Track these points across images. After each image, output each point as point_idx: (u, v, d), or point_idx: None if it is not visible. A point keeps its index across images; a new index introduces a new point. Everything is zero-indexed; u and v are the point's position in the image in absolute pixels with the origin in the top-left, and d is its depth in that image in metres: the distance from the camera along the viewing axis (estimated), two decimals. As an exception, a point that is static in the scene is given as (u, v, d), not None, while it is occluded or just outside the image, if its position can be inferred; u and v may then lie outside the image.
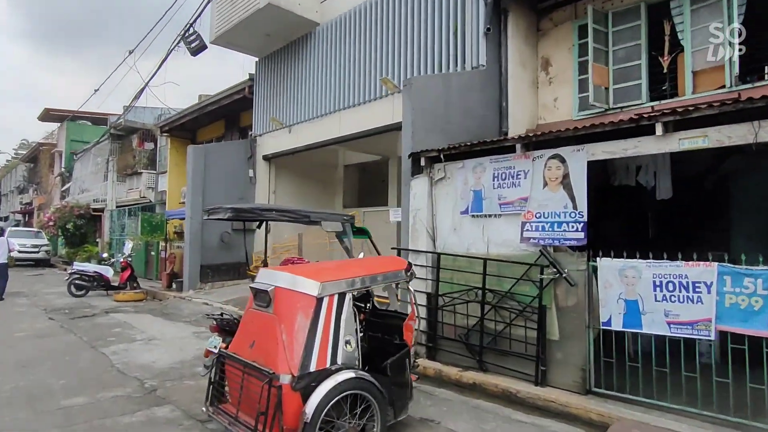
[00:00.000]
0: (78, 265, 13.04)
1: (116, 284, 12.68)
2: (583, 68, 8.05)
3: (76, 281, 12.35)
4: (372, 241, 5.35)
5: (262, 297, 3.61)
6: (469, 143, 6.09)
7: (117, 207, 23.55)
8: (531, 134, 5.51)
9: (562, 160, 5.22)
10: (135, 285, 12.85)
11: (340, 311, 3.59)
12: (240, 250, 13.28)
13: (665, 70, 7.28)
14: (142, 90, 14.33)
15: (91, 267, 13.16)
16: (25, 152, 40.82)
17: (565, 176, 5.19)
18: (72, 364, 6.18)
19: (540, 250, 5.25)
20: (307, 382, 3.26)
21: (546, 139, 5.35)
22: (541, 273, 5.20)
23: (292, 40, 12.52)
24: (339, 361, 3.48)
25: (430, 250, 6.37)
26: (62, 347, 7.07)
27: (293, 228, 14.58)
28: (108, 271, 12.94)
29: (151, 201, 21.61)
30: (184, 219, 14.25)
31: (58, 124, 34.18)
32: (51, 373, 5.77)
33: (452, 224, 6.21)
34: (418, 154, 6.52)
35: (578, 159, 5.10)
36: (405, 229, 6.66)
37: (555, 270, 5.11)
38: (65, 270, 20.21)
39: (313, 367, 3.32)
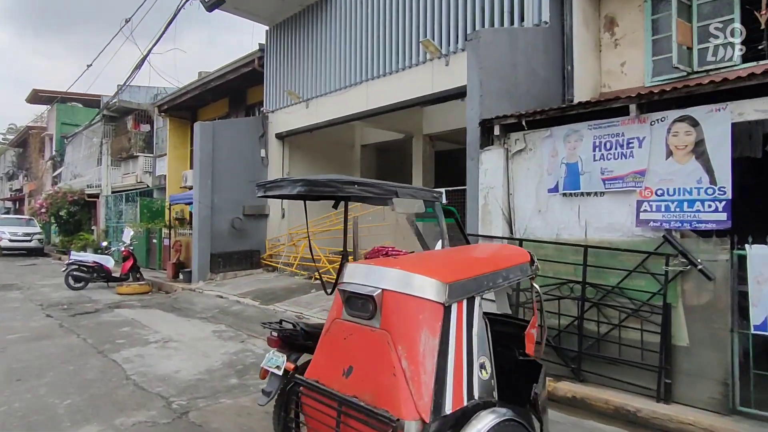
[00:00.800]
0: (76, 255, 11.88)
1: (118, 275, 11.57)
2: (657, 28, 7.02)
3: (74, 272, 11.21)
4: (460, 225, 4.29)
5: (362, 304, 2.54)
6: (562, 106, 5.03)
7: (112, 192, 22.29)
8: (650, 92, 4.44)
9: (694, 124, 4.17)
10: (138, 276, 11.75)
11: (471, 323, 2.55)
12: (253, 238, 12.24)
13: (762, 26, 6.26)
14: (143, 60, 13.03)
15: (90, 257, 12.01)
16: (13, 137, 39.09)
17: (698, 143, 4.14)
18: (78, 376, 5.12)
19: (663, 236, 4.23)
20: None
21: (672, 98, 4.29)
22: (666, 264, 4.18)
23: (310, 2, 11.28)
24: (475, 394, 2.45)
25: (506, 235, 5.34)
26: (64, 352, 5.99)
27: (315, 209, 13.50)
28: (108, 261, 11.80)
29: (148, 186, 20.40)
30: (189, 204, 13.12)
31: (48, 107, 32.52)
32: (52, 389, 4.71)
33: (536, 205, 5.17)
34: (490, 122, 5.44)
35: (718, 121, 4.05)
36: (472, 212, 5.61)
37: (686, 260, 4.09)
38: (60, 260, 19.03)
39: (448, 408, 2.29)
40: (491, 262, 2.97)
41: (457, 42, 8.20)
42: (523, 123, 5.20)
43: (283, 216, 12.72)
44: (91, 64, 16.91)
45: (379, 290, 2.48)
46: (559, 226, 4.96)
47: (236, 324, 7.63)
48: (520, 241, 5.12)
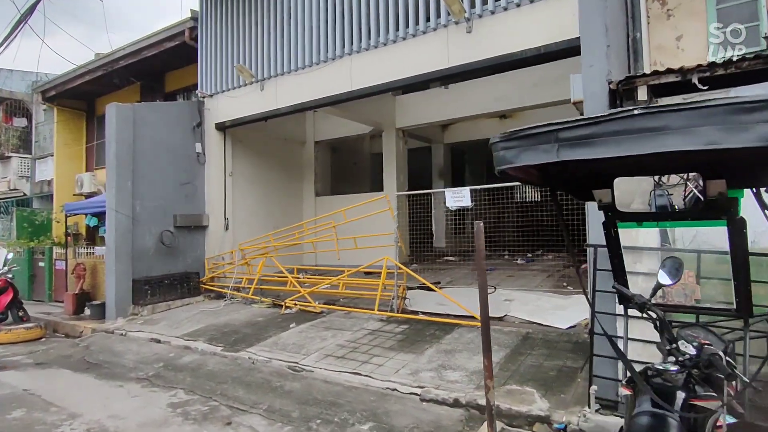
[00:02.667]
0: None
1: (-10, 316, 8.19)
2: (722, -5, 5.90)
3: None
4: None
5: None
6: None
7: (-26, 203, 17.48)
8: None
9: None
10: (23, 315, 8.44)
11: None
12: (189, 256, 9.53)
13: None
14: (20, 23, 9.58)
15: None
16: None
17: None
18: None
19: None
20: None
21: None
22: None
23: (268, -44, 8.98)
24: None
25: (663, 246, 3.69)
26: None
27: (263, 222, 11.05)
28: (-26, 297, 8.34)
29: (25, 194, 16.21)
30: (96, 213, 10.00)
31: None
32: None
33: (709, 201, 3.58)
34: (632, 80, 3.77)
35: None
36: (587, 213, 3.89)
37: None
38: None
39: None
40: None
41: (485, 2, 6.52)
42: (695, 82, 3.61)
43: (227, 227, 10.13)
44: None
45: None
46: (755, 231, 3.41)
47: (200, 387, 5.16)
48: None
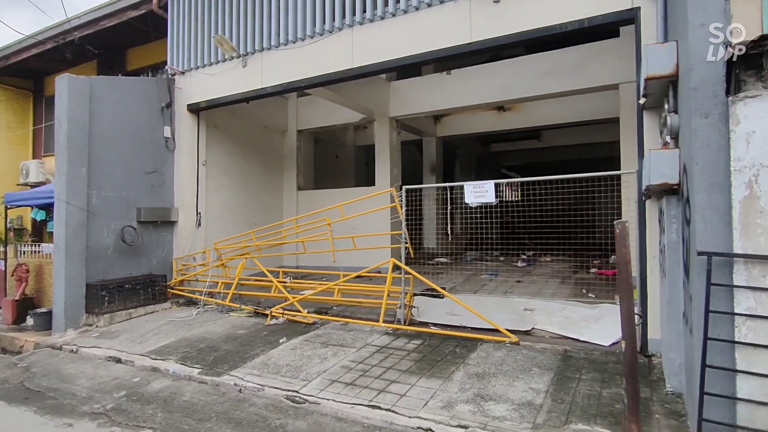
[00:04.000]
0: None
1: None
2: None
3: None
4: None
5: None
6: None
7: None
8: None
9: None
10: (-52, 326, 7.01)
11: None
12: (154, 256, 8.31)
13: None
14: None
15: None
16: None
17: None
18: None
19: None
20: None
21: None
22: None
23: None
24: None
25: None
26: None
27: (240, 218, 9.86)
28: None
29: (-43, 183, 14.29)
30: (42, 206, 8.61)
31: None
32: None
33: None
34: (760, 45, 2.91)
35: None
36: (714, 209, 3.02)
37: None
38: None
39: None
40: None
41: (517, -34, 5.64)
42: None
43: (199, 224, 8.90)
44: None
45: None
46: None
47: (176, 426, 4.05)
48: None
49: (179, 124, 8.77)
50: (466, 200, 6.05)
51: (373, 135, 13.21)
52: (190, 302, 8.31)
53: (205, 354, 5.69)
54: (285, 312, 6.90)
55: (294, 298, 6.99)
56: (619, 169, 7.56)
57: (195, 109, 8.72)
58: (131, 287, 7.75)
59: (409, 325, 6.29)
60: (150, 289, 7.99)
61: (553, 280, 8.55)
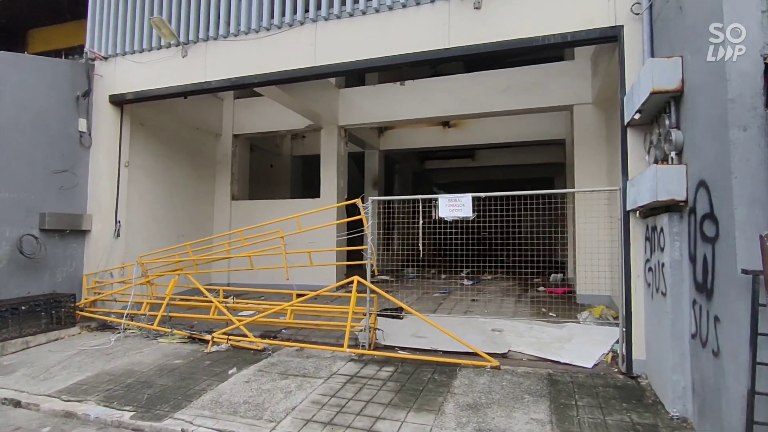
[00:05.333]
0: None
1: None
2: None
3: None
4: None
5: None
6: None
7: None
8: None
9: None
10: None
11: None
12: (60, 272, 7.00)
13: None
14: None
15: None
16: None
17: None
18: None
19: None
20: None
21: None
22: None
23: None
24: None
25: None
26: None
27: (167, 229, 8.67)
28: None
29: None
30: None
31: None
32: None
33: None
34: (803, 55, 2.84)
35: None
36: (740, 224, 2.86)
37: None
38: None
39: None
40: None
41: (502, -28, 5.46)
42: None
43: (118, 234, 7.65)
44: None
45: None
46: None
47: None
48: None
49: (98, 117, 7.52)
50: (440, 214, 5.67)
51: (312, 145, 12.60)
52: (105, 326, 7.03)
53: (135, 392, 4.66)
54: (230, 337, 5.99)
55: (240, 321, 6.10)
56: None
57: (119, 101, 7.53)
58: (29, 309, 6.34)
59: (374, 349, 5.72)
60: (54, 312, 6.61)
61: (508, 298, 8.43)
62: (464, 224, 6.26)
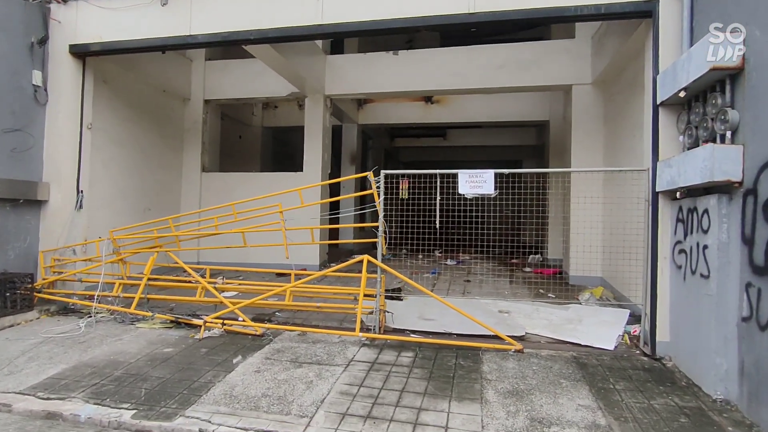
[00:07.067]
0: None
1: None
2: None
3: None
4: None
5: None
6: None
7: None
8: None
9: None
10: None
11: None
12: (12, 248, 6.12)
13: None
14: None
15: None
16: None
17: None
18: None
19: None
20: None
21: None
22: None
23: None
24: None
25: None
26: None
27: (134, 201, 7.81)
28: None
29: None
30: None
31: None
32: None
33: None
34: None
35: None
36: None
37: None
38: None
39: None
40: None
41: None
42: None
43: (80, 205, 6.75)
44: None
45: None
46: None
47: None
48: None
49: (56, 70, 6.51)
50: (460, 191, 5.37)
51: (285, 116, 11.87)
52: (68, 310, 6.21)
53: (129, 386, 4.06)
54: (224, 321, 5.42)
55: (235, 303, 5.54)
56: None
57: (81, 53, 6.55)
58: (-22, 291, 5.43)
59: (384, 333, 5.39)
60: (8, 294, 5.71)
61: (500, 279, 8.34)
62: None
